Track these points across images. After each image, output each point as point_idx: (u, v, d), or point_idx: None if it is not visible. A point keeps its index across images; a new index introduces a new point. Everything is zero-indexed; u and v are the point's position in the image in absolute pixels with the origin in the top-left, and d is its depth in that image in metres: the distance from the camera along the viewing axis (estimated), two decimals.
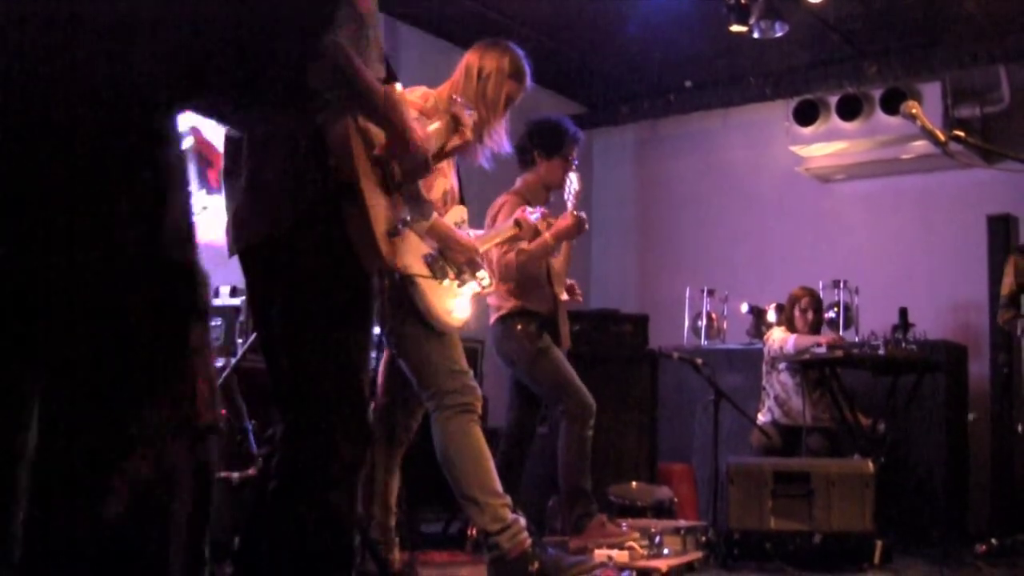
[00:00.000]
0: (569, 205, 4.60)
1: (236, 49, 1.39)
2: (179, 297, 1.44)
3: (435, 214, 3.62)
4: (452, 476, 3.67)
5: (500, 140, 3.90)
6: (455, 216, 3.83)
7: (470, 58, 3.89)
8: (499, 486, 3.68)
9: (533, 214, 4.34)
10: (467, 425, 3.65)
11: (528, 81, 3.97)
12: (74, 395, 1.35)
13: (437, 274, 3.61)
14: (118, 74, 1.33)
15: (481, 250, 3.92)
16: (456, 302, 3.70)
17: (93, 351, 1.35)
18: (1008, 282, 5.33)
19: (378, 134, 2.37)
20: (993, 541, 5.39)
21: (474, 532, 5.13)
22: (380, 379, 3.91)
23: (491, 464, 3.69)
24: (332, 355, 2.26)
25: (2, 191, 1.29)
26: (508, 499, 3.69)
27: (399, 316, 3.63)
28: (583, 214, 4.59)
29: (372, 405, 3.83)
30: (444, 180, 3.74)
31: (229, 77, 1.43)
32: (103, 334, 1.35)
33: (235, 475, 3.88)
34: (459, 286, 3.71)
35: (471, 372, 3.76)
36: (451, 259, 3.64)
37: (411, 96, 3.68)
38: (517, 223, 4.25)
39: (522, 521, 3.70)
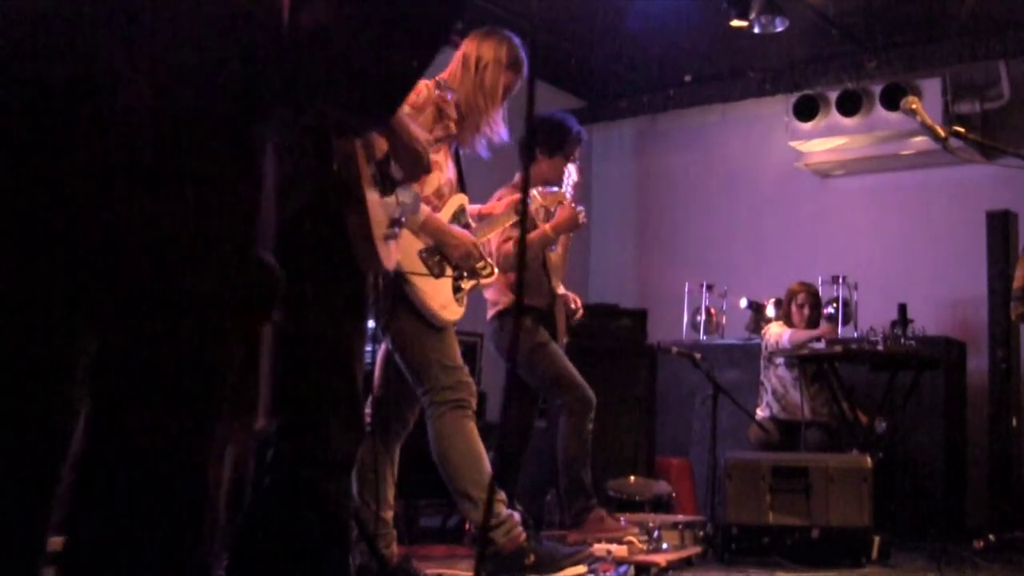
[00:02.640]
0: (567, 197, 4.61)
1: (346, 67, 1.38)
2: (260, 300, 1.42)
3: (428, 209, 3.61)
4: (446, 472, 3.67)
5: (498, 130, 3.88)
6: (455, 204, 3.82)
7: (467, 47, 3.87)
8: (486, 478, 3.67)
9: (549, 191, 4.35)
10: (461, 421, 3.64)
11: (525, 71, 3.96)
12: (140, 400, 1.31)
13: (433, 270, 3.60)
14: (221, 84, 1.33)
15: (481, 240, 3.91)
16: (452, 297, 3.70)
17: (175, 356, 1.31)
18: (1022, 275, 5.30)
19: (377, 138, 2.37)
20: (991, 537, 5.39)
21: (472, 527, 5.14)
22: (377, 373, 3.90)
23: (485, 460, 3.69)
24: (327, 349, 2.26)
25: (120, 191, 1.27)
26: (502, 494, 3.69)
27: (394, 311, 3.63)
28: (581, 207, 4.60)
29: (370, 398, 3.84)
30: (439, 174, 3.73)
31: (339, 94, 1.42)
32: (191, 335, 1.32)
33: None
34: (456, 280, 3.70)
35: (466, 368, 3.76)
36: (446, 254, 3.64)
37: None
38: (516, 212, 4.24)
39: (517, 516, 3.70)
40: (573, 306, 4.88)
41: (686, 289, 7.73)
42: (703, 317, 7.60)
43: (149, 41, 1.28)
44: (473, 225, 3.92)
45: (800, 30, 7.06)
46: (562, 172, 4.73)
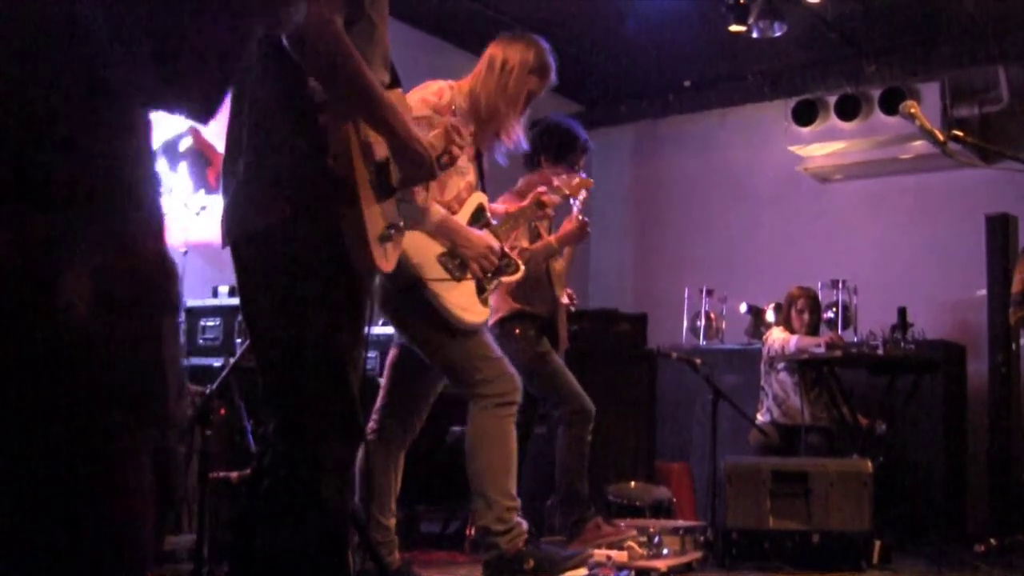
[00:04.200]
0: (575, 210, 4.60)
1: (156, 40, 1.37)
2: (150, 290, 1.42)
3: (444, 211, 3.60)
4: (472, 467, 3.64)
5: (517, 138, 3.84)
6: (473, 204, 3.77)
7: (493, 50, 3.82)
8: (514, 488, 3.66)
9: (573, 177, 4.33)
10: (503, 421, 3.62)
11: (552, 77, 3.88)
12: (33, 396, 1.31)
13: (454, 273, 3.58)
14: (66, 67, 1.32)
15: (505, 236, 3.87)
16: (475, 299, 3.66)
17: (57, 350, 1.32)
18: (1020, 279, 5.31)
19: (376, 139, 2.37)
20: (992, 541, 5.40)
21: (472, 532, 5.13)
22: (384, 381, 3.88)
23: (514, 465, 3.66)
24: (321, 351, 2.26)
25: None
26: (518, 503, 3.68)
27: (420, 321, 3.60)
28: (587, 219, 4.60)
29: (378, 404, 3.81)
30: (459, 179, 3.70)
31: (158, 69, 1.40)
32: (68, 331, 1.32)
33: (234, 474, 3.88)
34: (479, 281, 3.68)
35: (506, 359, 3.72)
36: (462, 256, 3.62)
37: (425, 92, 3.65)
38: (541, 204, 4.19)
39: (524, 526, 3.68)
40: (567, 300, 4.86)
41: (686, 294, 7.73)
42: (703, 322, 7.60)
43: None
44: (494, 223, 3.88)
45: (799, 34, 7.06)
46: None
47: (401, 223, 2.46)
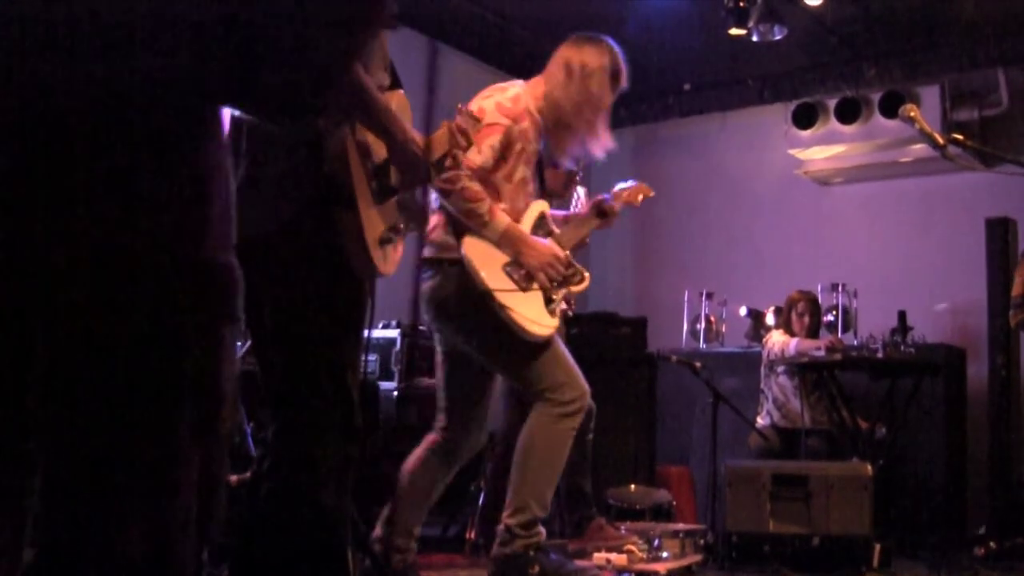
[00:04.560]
0: None
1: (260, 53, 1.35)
2: (218, 300, 1.40)
3: (508, 219, 3.55)
4: (519, 470, 3.59)
5: (603, 144, 3.74)
6: (535, 212, 3.72)
7: (568, 53, 3.74)
8: (550, 499, 3.64)
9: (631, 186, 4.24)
10: (564, 434, 3.57)
11: (624, 82, 3.79)
12: (97, 406, 1.28)
13: (520, 283, 3.53)
14: (147, 69, 1.30)
15: (568, 245, 3.81)
16: (543, 310, 3.61)
17: (122, 360, 1.29)
18: (1021, 282, 5.32)
19: (375, 142, 2.37)
20: (992, 544, 5.39)
21: (473, 535, 5.12)
22: (442, 400, 3.78)
23: (558, 477, 3.64)
24: (321, 355, 2.26)
25: (33, 193, 1.26)
26: (547, 513, 3.66)
27: (488, 332, 3.54)
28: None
29: (443, 422, 3.72)
30: (520, 186, 3.64)
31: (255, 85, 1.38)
32: (133, 339, 1.30)
33: (234, 478, 3.87)
34: (546, 292, 3.63)
35: (574, 366, 3.67)
36: (526, 266, 3.57)
37: (501, 97, 3.61)
38: (602, 212, 4.10)
39: (543, 535, 3.65)
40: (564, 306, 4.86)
41: (686, 297, 7.72)
42: (703, 325, 7.60)
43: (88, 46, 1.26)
44: (557, 231, 3.82)
45: (799, 38, 7.07)
46: (562, 184, 4.71)
47: (402, 226, 2.46)
